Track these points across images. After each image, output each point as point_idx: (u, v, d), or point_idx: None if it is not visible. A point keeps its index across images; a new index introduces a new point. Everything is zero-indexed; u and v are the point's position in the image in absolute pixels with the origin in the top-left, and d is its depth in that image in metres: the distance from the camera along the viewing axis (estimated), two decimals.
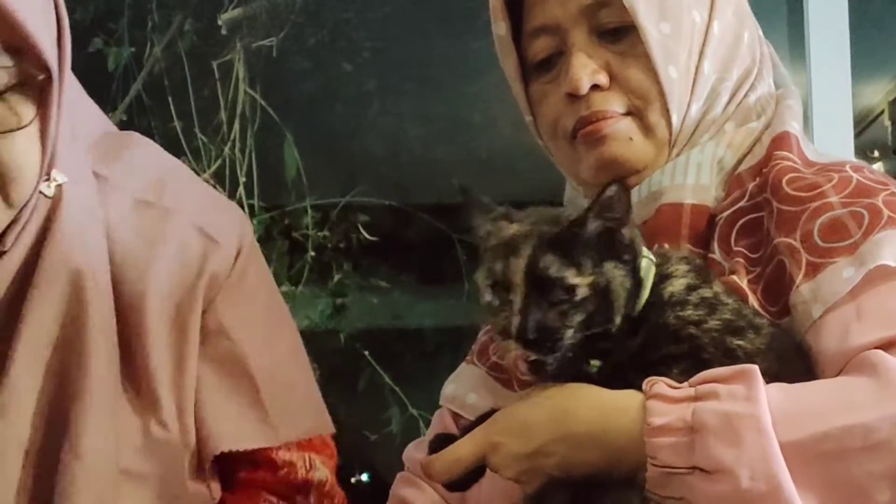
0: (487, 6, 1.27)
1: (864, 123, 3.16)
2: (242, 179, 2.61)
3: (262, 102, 2.57)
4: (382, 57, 2.52)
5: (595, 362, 1.02)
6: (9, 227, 1.14)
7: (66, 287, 1.16)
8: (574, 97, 1.19)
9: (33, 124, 1.11)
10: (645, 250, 1.05)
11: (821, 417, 0.91)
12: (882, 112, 3.16)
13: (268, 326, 1.30)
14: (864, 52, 2.58)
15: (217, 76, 2.54)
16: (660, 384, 0.97)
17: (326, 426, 1.33)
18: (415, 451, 1.32)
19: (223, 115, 2.56)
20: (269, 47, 2.55)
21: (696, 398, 0.94)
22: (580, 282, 0.98)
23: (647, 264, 1.04)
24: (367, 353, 2.83)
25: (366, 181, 2.67)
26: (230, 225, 1.28)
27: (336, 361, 2.86)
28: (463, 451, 1.03)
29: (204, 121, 2.53)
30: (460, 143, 2.54)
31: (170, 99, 2.56)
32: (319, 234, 2.79)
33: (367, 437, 2.82)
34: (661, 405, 0.95)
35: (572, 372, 1.01)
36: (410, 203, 2.79)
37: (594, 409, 0.99)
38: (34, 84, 1.10)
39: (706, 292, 1.04)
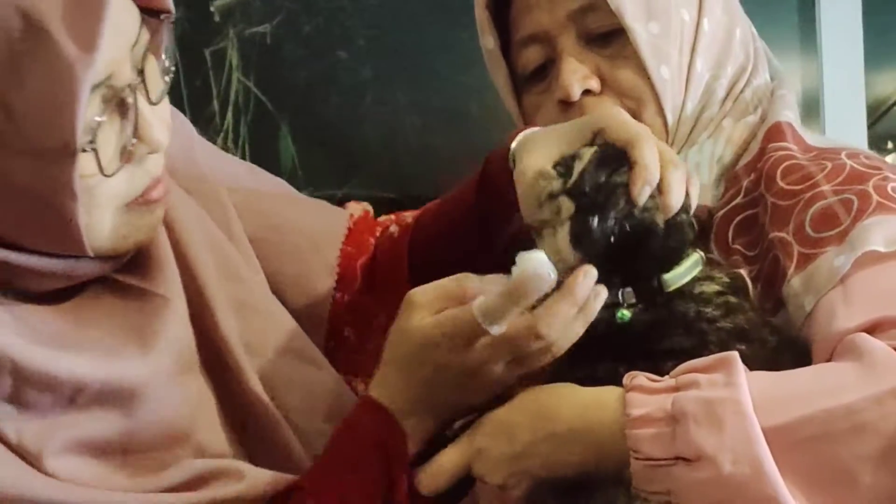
0: None
1: (877, 114, 3.11)
2: None
3: (256, 91, 2.51)
4: (378, 45, 2.48)
5: (626, 312, 1.01)
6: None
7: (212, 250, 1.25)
8: (567, 104, 1.20)
9: None
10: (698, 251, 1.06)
11: (804, 401, 0.89)
12: None
13: None
14: (878, 40, 2.54)
15: (209, 64, 2.48)
16: (640, 377, 0.96)
17: None
18: None
19: (216, 105, 2.51)
20: (262, 34, 2.49)
21: (676, 388, 0.93)
22: None
23: (697, 258, 1.05)
24: None
25: (362, 172, 2.61)
26: None
27: None
28: (447, 460, 1.02)
29: (196, 110, 2.48)
30: (457, 134, 2.49)
31: None
32: None
33: None
34: (641, 396, 0.94)
35: (605, 320, 1.00)
36: (408, 194, 2.74)
37: (575, 405, 0.98)
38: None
39: (733, 300, 1.03)
